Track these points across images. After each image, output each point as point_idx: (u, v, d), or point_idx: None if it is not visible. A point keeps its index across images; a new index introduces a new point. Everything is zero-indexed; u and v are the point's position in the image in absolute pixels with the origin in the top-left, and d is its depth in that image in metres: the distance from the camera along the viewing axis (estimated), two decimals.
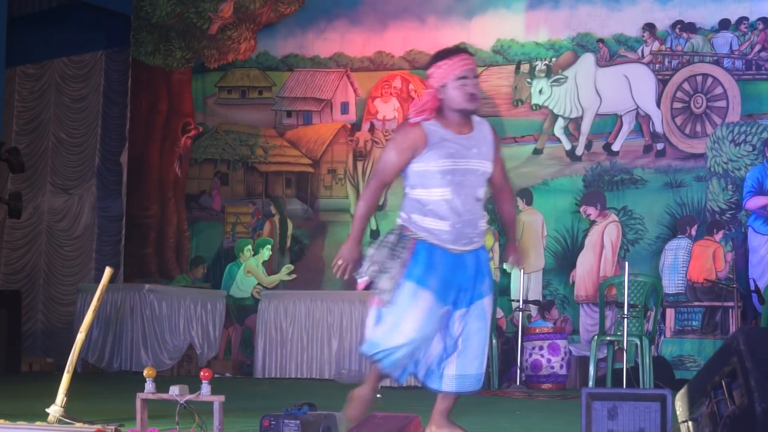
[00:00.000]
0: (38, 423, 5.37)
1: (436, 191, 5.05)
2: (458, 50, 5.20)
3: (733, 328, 10.50)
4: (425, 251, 5.04)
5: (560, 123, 11.96)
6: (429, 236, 5.06)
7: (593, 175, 11.72)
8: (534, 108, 12.07)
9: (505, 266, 11.76)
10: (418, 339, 4.97)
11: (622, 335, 9.61)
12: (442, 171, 5.02)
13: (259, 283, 12.83)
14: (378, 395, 8.71)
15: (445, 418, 5.15)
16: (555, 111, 11.98)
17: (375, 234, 12.51)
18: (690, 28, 11.53)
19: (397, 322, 4.99)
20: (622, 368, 9.46)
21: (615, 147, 11.70)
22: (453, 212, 5.03)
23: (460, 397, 5.11)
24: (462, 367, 5.04)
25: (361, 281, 5.14)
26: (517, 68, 12.19)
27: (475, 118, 5.19)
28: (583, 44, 11.98)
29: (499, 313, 11.17)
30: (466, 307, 5.07)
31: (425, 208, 5.06)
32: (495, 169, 5.18)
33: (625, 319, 9.56)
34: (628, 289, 9.64)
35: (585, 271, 11.48)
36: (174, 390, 4.79)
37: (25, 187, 13.87)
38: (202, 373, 4.85)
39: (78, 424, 5.44)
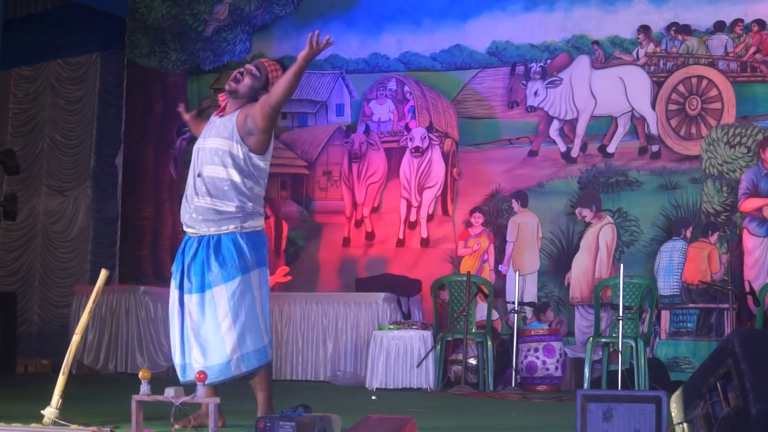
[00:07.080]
0: (33, 425, 5.36)
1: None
2: None
3: (728, 330, 10.50)
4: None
5: (555, 125, 11.97)
6: None
7: (588, 176, 11.72)
8: (529, 110, 12.08)
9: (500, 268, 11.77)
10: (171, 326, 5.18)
11: (617, 337, 9.60)
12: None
13: None
14: (373, 397, 8.71)
15: None
16: (550, 113, 11.99)
17: (370, 236, 12.53)
18: (685, 30, 11.54)
19: None
20: (617, 370, 9.46)
21: (610, 149, 11.71)
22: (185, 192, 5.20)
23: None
24: (209, 358, 5.05)
25: None
26: (513, 70, 12.20)
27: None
28: (578, 46, 11.99)
29: (495, 315, 11.16)
30: (198, 293, 5.10)
31: None
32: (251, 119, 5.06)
33: (620, 321, 9.56)
34: (623, 290, 9.63)
35: (580, 272, 11.47)
36: (169, 392, 4.78)
37: (21, 189, 13.85)
38: (197, 375, 4.84)
39: (73, 426, 5.43)
